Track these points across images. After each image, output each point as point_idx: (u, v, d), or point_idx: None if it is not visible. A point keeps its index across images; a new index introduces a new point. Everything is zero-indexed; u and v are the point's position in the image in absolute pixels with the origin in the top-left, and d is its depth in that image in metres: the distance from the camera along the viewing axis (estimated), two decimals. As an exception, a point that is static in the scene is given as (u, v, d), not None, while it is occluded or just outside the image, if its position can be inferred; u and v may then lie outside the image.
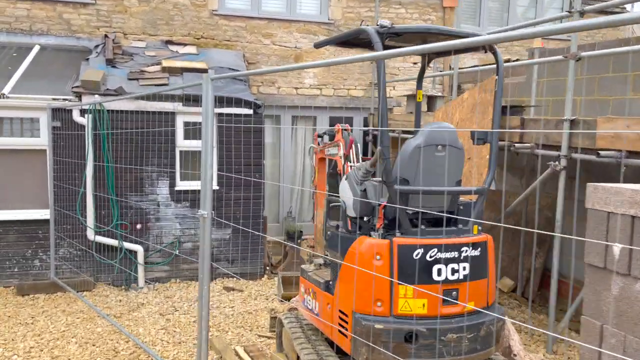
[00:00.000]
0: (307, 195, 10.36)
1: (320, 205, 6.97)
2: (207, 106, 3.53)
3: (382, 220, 3.66)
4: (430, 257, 3.48)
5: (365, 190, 3.76)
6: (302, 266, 4.61)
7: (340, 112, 9.95)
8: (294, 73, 9.63)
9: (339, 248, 3.80)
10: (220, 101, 7.31)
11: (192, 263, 7.50)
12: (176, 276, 7.46)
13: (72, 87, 7.05)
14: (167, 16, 8.99)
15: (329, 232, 4.11)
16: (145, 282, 7.27)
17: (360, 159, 5.74)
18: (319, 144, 6.82)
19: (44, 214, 6.97)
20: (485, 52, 3.86)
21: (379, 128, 3.47)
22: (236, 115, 7.35)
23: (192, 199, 7.43)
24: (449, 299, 3.51)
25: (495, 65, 3.85)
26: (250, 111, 7.47)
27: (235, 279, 7.56)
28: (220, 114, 7.43)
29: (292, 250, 8.11)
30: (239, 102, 7.38)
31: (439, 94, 8.46)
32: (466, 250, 3.58)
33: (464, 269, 3.57)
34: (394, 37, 3.60)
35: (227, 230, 7.62)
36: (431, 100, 8.32)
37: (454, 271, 3.54)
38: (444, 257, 3.51)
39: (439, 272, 3.50)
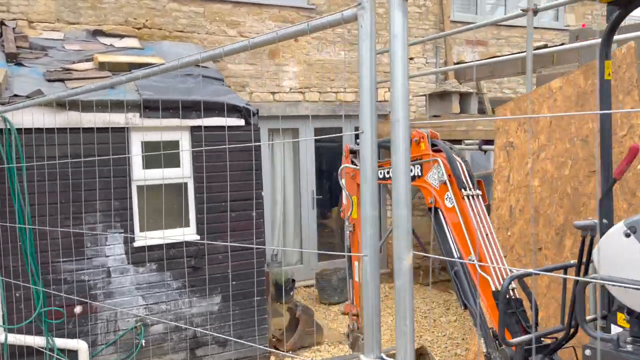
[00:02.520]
0: (290, 230, 8.06)
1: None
2: (397, 67, 1.27)
3: None
4: None
5: None
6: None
7: (328, 122, 7.83)
8: (269, 74, 7.37)
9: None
10: (196, 108, 4.91)
11: (163, 355, 4.94)
12: (143, 379, 4.86)
13: (-48, 95, 4.29)
14: (93, -3, 6.38)
15: (586, 350, 1.92)
16: (95, 396, 4.62)
17: (475, 183, 3.60)
18: (352, 162, 4.67)
19: None
20: None
21: None
22: (222, 127, 4.96)
23: (159, 257, 4.90)
24: None
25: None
26: (241, 121, 5.10)
27: (232, 370, 5.11)
28: (195, 128, 5.01)
29: (303, 315, 5.80)
30: (224, 110, 5.00)
31: (470, 89, 6.60)
32: None
33: None
34: None
35: (215, 299, 5.16)
36: (464, 97, 6.44)
37: None
38: None
39: None
